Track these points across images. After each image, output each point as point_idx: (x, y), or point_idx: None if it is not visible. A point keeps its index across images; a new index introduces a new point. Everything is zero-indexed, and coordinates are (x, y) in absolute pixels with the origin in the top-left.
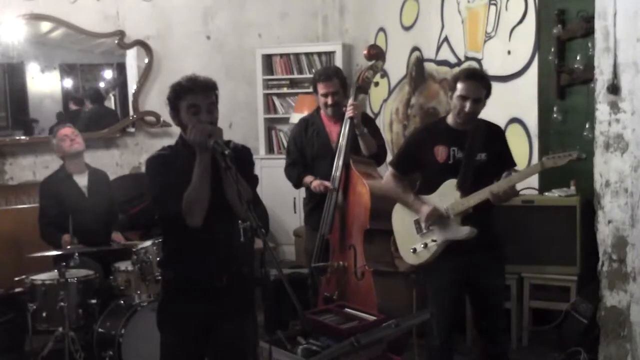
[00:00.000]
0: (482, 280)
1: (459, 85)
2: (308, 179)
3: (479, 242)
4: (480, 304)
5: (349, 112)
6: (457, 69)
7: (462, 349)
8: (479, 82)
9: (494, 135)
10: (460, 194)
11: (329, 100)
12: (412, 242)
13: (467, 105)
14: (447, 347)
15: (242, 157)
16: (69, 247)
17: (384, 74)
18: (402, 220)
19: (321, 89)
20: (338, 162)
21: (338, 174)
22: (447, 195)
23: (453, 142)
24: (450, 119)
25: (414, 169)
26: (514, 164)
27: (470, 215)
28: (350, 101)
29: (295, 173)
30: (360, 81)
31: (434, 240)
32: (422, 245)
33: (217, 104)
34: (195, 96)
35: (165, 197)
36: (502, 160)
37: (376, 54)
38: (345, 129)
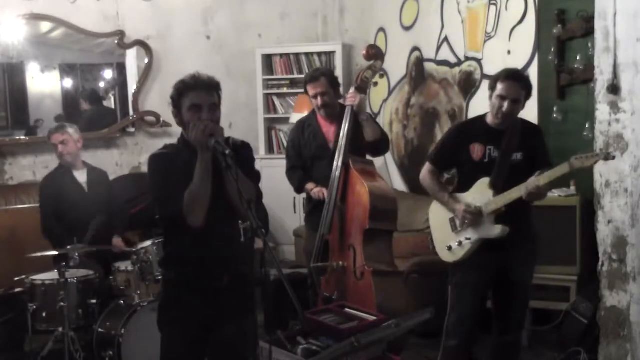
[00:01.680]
0: (510, 274)
1: (499, 85)
2: (309, 186)
3: (512, 240)
4: (502, 298)
5: (349, 101)
6: (457, 69)
7: None
8: (519, 83)
9: (531, 135)
10: (493, 192)
11: (319, 102)
12: (448, 239)
13: (505, 105)
14: (464, 349)
15: (242, 153)
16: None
17: (383, 74)
18: (438, 217)
19: (310, 90)
20: (338, 162)
21: (337, 173)
22: (481, 194)
23: (490, 140)
24: (489, 118)
25: (451, 165)
26: (550, 165)
27: (504, 213)
28: (350, 91)
29: (296, 178)
30: (358, 81)
31: (468, 238)
32: (457, 243)
33: (220, 103)
34: (197, 94)
35: (167, 196)
36: (538, 160)
37: (375, 54)
38: (346, 124)
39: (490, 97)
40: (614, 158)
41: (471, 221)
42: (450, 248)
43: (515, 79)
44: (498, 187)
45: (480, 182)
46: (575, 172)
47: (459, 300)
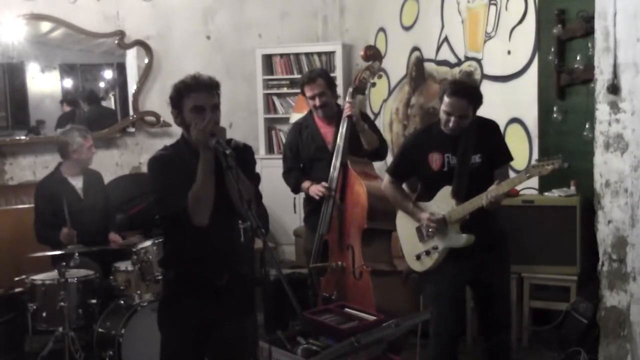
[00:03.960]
0: (485, 280)
1: (445, 99)
2: (306, 184)
3: (480, 245)
4: (482, 302)
5: (346, 111)
6: (457, 69)
7: (461, 349)
8: (465, 99)
9: (487, 133)
10: (456, 201)
11: (317, 102)
12: (416, 249)
13: (452, 120)
14: (447, 354)
15: (244, 155)
16: (70, 243)
17: (382, 75)
18: (405, 227)
19: (307, 91)
20: (336, 162)
21: (336, 174)
22: (444, 203)
23: (446, 148)
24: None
25: (410, 175)
26: (510, 158)
27: (469, 220)
28: (348, 99)
29: (293, 179)
30: (357, 82)
31: (435, 248)
32: (425, 253)
33: (220, 103)
34: (199, 95)
35: (168, 197)
36: (497, 157)
37: (373, 54)
38: (343, 128)
39: (439, 106)
40: (568, 167)
41: (435, 229)
42: (418, 257)
43: (461, 95)
44: (460, 196)
45: (442, 192)
46: (575, 172)
47: (434, 309)
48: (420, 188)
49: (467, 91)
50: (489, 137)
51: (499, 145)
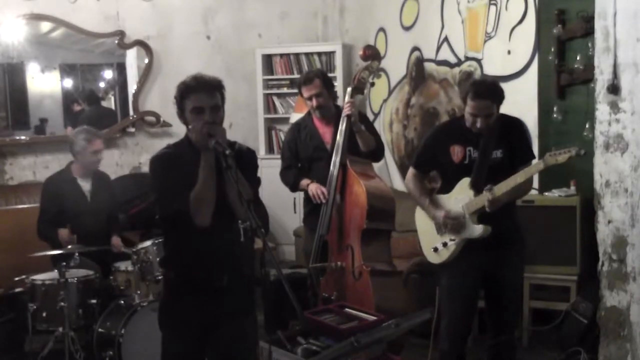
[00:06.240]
0: (498, 275)
1: (469, 102)
2: (304, 182)
3: (496, 238)
4: (494, 299)
5: (345, 110)
6: (457, 69)
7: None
8: (489, 99)
9: (511, 130)
10: (474, 192)
11: (314, 103)
12: (433, 241)
13: (479, 121)
14: (455, 353)
15: (246, 159)
16: (68, 245)
17: (381, 74)
18: (423, 219)
19: (304, 92)
20: (336, 159)
21: (336, 171)
22: (462, 195)
23: (469, 141)
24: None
25: (432, 167)
26: (532, 157)
27: (487, 213)
28: (347, 99)
29: (291, 177)
30: (356, 82)
31: (453, 239)
32: (442, 244)
33: (223, 104)
34: (198, 97)
35: (169, 197)
36: (519, 154)
37: (372, 54)
38: (342, 126)
39: (463, 109)
40: (585, 154)
41: (452, 226)
42: (435, 249)
43: (485, 96)
44: (479, 187)
45: (461, 183)
46: (575, 172)
47: (448, 303)
48: (440, 182)
49: (490, 91)
50: (512, 134)
51: (521, 143)
